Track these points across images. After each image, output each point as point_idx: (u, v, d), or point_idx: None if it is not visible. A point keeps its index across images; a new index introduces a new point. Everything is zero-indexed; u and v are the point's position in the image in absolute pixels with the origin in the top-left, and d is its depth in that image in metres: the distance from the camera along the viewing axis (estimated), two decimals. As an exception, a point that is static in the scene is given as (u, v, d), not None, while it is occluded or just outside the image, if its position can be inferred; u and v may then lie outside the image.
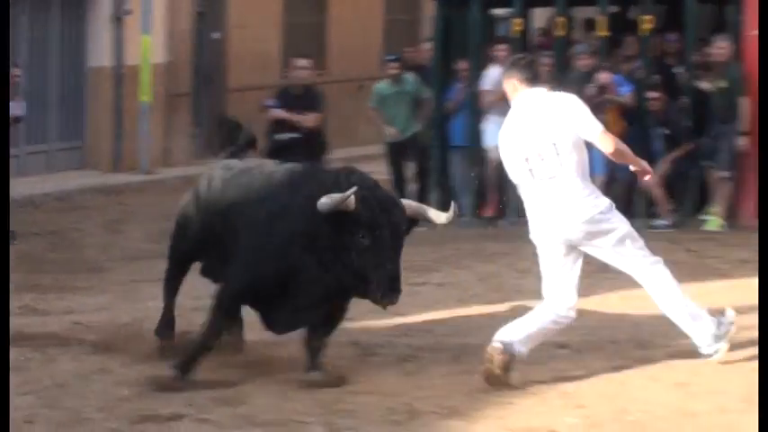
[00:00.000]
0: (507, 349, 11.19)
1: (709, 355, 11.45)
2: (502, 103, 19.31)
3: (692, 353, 11.52)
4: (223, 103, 26.15)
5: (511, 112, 11.65)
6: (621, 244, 11.41)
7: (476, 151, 20.31)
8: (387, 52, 22.85)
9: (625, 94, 19.48)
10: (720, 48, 19.39)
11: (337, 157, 22.27)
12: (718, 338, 11.45)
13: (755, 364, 11.11)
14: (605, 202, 11.47)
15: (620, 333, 12.73)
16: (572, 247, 11.45)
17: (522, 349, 11.31)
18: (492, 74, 19.86)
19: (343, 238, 11.00)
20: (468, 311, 13.93)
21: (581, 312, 11.52)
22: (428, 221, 11.61)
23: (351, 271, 11.05)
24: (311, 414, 10.62)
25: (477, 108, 20.34)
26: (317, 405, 10.83)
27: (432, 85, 21.12)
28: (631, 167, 11.63)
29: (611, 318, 13.46)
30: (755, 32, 19.38)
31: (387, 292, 10.79)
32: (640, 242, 11.54)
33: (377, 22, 31.00)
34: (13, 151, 20.29)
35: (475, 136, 20.41)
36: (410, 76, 20.98)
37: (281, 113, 18.14)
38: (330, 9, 31.40)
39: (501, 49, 20.15)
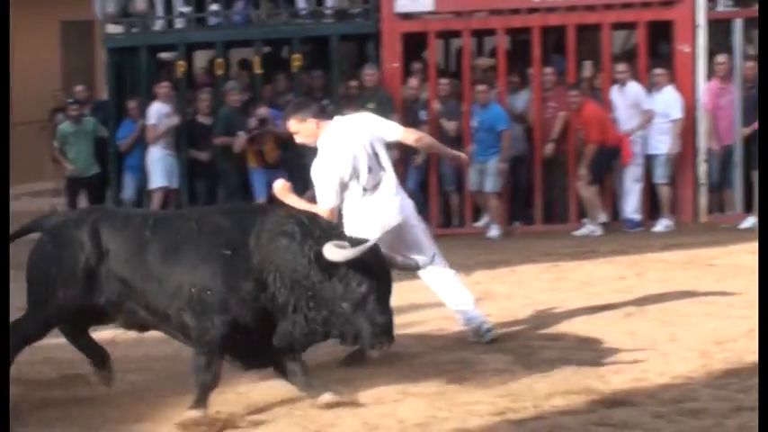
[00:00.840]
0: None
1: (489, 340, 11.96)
2: (165, 137, 19.79)
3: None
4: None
5: (324, 147, 11.54)
6: (424, 237, 11.88)
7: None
8: (67, 96, 22.59)
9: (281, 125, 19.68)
10: (370, 75, 19.79)
11: (25, 191, 22.23)
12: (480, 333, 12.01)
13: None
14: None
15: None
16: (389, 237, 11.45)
17: None
18: (154, 109, 20.10)
19: (333, 286, 9.96)
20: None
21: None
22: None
23: (342, 319, 10.01)
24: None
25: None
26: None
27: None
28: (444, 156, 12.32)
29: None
30: (396, 65, 19.95)
31: (382, 340, 9.96)
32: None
33: (55, 68, 30.72)
34: None
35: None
36: (91, 118, 20.91)
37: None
38: (12, 56, 31.03)
39: (162, 86, 20.30)
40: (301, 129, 11.58)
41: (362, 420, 9.76)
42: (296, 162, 19.43)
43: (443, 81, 20.11)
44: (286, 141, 19.10)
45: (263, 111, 19.82)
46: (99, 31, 22.80)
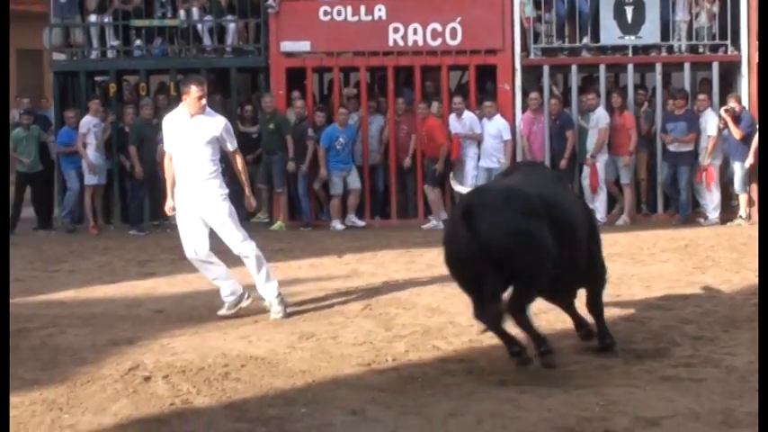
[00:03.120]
0: None
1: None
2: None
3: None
4: None
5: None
6: (227, 223, 11.54)
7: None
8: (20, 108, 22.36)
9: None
10: (268, 101, 19.68)
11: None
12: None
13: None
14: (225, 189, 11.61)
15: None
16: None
17: None
18: (85, 120, 19.80)
19: None
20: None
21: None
22: None
23: None
24: None
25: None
26: None
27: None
28: None
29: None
30: (282, 92, 19.89)
31: None
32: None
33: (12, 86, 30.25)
34: None
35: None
36: (36, 126, 20.62)
37: None
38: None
39: (94, 102, 20.05)
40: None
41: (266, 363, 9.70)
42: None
43: (320, 112, 20.01)
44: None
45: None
46: (47, 58, 22.51)
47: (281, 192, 19.62)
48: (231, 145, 11.63)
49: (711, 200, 18.88)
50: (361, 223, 19.69)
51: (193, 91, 11.41)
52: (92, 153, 19.66)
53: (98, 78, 21.16)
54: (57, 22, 21.01)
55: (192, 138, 11.43)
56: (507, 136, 19.37)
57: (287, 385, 9.23)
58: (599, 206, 18.79)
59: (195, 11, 20.63)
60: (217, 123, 11.52)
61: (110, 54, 20.92)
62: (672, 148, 19.06)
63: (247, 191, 11.97)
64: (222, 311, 11.81)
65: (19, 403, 8.87)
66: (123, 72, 21.10)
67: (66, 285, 13.89)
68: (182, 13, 20.65)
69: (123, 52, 20.88)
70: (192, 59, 20.68)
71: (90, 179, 19.75)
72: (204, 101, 11.49)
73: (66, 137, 20.07)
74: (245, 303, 11.89)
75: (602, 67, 19.95)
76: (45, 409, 8.71)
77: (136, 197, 19.79)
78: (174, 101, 20.07)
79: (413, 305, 11.93)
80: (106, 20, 20.75)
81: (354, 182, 19.72)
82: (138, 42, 20.84)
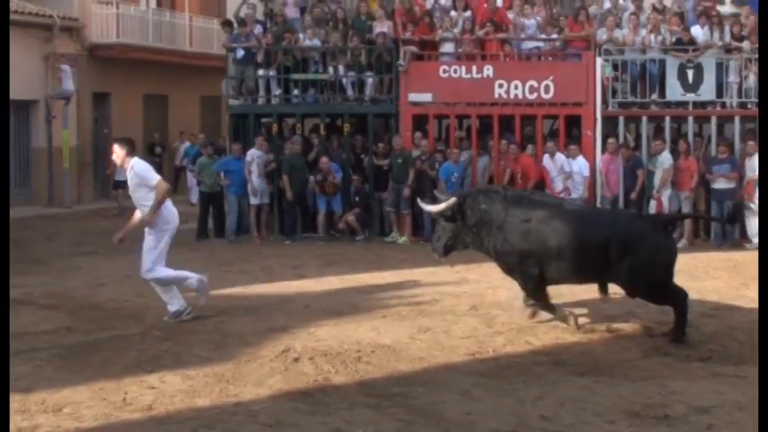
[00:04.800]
0: None
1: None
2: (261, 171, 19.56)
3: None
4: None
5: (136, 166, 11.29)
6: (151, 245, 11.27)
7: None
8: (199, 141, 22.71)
9: (337, 177, 19.63)
10: (398, 141, 19.65)
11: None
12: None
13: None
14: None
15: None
16: None
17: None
18: (250, 153, 19.75)
19: None
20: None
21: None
22: None
23: None
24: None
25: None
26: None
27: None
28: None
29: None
30: (408, 134, 19.87)
31: None
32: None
33: (197, 125, 30.75)
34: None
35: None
36: (217, 156, 20.85)
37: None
38: (173, 120, 31.22)
39: (258, 138, 20.08)
40: (118, 152, 11.38)
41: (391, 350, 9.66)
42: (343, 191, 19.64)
43: (438, 153, 19.94)
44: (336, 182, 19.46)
45: (324, 160, 19.65)
46: (224, 103, 22.74)
47: (406, 213, 19.55)
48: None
49: (752, 227, 18.47)
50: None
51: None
52: (255, 179, 19.72)
53: (264, 120, 21.24)
54: (233, 75, 21.20)
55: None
56: (586, 173, 19.14)
57: (408, 369, 9.24)
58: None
59: (341, 68, 20.68)
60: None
61: (273, 101, 21.02)
62: (717, 186, 18.73)
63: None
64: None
65: (194, 375, 8.98)
66: (284, 115, 21.17)
67: (234, 283, 13.98)
68: (330, 69, 20.71)
69: (284, 99, 20.97)
70: (338, 106, 20.71)
71: (254, 199, 19.81)
72: (115, 156, 11.52)
73: (224, 165, 20.15)
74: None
75: (667, 119, 19.67)
76: (215, 381, 8.80)
77: (289, 214, 19.83)
78: (323, 140, 20.42)
79: (510, 307, 11.81)
80: (271, 73, 20.89)
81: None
82: (295, 92, 20.90)
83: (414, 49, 20.26)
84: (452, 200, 11.13)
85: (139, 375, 8.96)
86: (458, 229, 11.06)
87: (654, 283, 10.27)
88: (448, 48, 20.49)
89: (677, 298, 10.31)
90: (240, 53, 20.80)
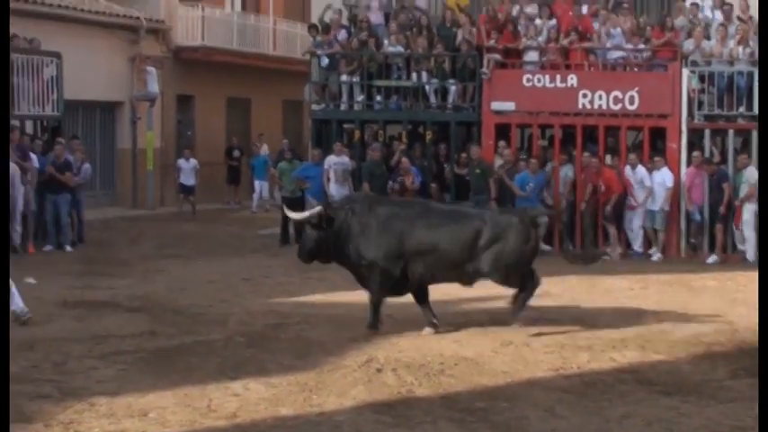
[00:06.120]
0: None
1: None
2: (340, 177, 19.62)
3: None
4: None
5: None
6: None
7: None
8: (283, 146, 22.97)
9: (416, 180, 19.56)
10: (475, 150, 19.57)
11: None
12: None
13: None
14: None
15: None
16: None
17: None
18: (329, 159, 19.79)
19: None
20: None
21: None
22: None
23: None
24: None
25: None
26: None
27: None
28: None
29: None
30: (491, 143, 19.79)
31: None
32: None
33: (278, 130, 30.91)
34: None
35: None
36: (297, 161, 20.95)
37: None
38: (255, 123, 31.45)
39: (337, 145, 20.09)
40: None
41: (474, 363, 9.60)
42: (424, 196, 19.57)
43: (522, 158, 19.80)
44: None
45: (404, 161, 19.60)
46: (306, 109, 22.85)
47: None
48: None
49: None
50: (548, 248, 19.39)
51: None
52: (332, 185, 19.73)
53: (346, 126, 21.29)
54: (316, 80, 21.29)
55: None
56: (670, 184, 18.91)
57: (491, 383, 9.18)
58: (749, 248, 18.27)
59: (424, 74, 20.67)
60: None
61: (356, 107, 21.07)
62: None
63: None
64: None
65: (278, 383, 9.00)
66: (366, 121, 21.19)
67: (315, 290, 14.01)
68: (413, 75, 20.70)
69: (366, 105, 21.01)
70: (420, 113, 20.68)
71: (337, 204, 19.84)
72: None
73: (304, 171, 20.21)
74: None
75: (754, 133, 19.31)
76: (298, 390, 8.81)
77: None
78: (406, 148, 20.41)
79: (594, 322, 11.70)
80: (354, 79, 20.94)
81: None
82: (378, 98, 20.94)
83: (497, 57, 20.17)
84: (318, 208, 11.48)
85: (223, 382, 9.00)
86: (321, 237, 11.33)
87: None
88: (532, 56, 20.37)
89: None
90: (325, 61, 20.87)
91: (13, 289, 11.41)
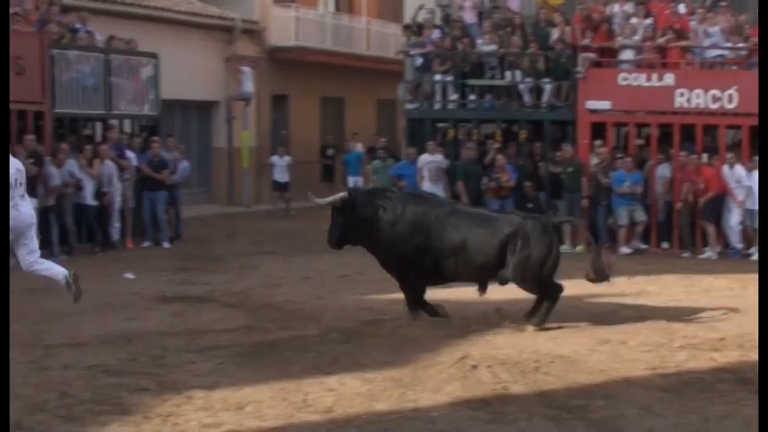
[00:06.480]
0: None
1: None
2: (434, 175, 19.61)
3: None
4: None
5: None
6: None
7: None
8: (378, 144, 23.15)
9: (511, 178, 19.54)
10: (566, 149, 19.50)
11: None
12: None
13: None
14: None
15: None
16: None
17: None
18: (422, 158, 19.90)
19: None
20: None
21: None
22: None
23: None
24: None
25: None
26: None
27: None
28: None
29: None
30: (585, 141, 19.64)
31: None
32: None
33: (373, 128, 30.96)
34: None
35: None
36: (391, 159, 21.01)
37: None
38: (348, 120, 31.56)
39: (430, 144, 20.12)
40: None
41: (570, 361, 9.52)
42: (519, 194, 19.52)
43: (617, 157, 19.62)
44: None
45: (500, 158, 19.63)
46: (400, 107, 22.90)
47: (581, 222, 19.33)
48: None
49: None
50: (643, 246, 19.23)
51: None
52: (426, 184, 19.73)
53: (439, 125, 21.28)
54: (409, 80, 21.31)
55: None
56: (769, 185, 18.67)
57: (587, 381, 9.08)
58: None
59: (518, 73, 20.59)
60: None
61: (449, 106, 21.07)
62: None
63: None
64: None
65: (373, 379, 8.99)
66: (459, 120, 21.15)
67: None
68: (507, 74, 20.63)
69: (460, 105, 21.00)
70: (515, 112, 20.62)
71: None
72: None
73: (399, 170, 20.23)
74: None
75: None
76: (393, 386, 8.79)
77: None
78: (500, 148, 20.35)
79: (692, 322, 11.54)
80: (448, 78, 20.93)
81: (640, 216, 19.21)
82: (471, 97, 20.93)
83: (592, 56, 20.01)
84: (342, 194, 11.57)
85: (319, 377, 9.02)
86: (348, 223, 11.39)
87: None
88: (627, 55, 20.17)
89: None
90: (418, 60, 20.88)
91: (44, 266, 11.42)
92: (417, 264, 11.25)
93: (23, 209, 10.55)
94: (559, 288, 11.39)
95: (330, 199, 11.63)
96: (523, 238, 11.13)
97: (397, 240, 11.25)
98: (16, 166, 10.70)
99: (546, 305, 11.29)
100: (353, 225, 11.40)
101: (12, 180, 10.35)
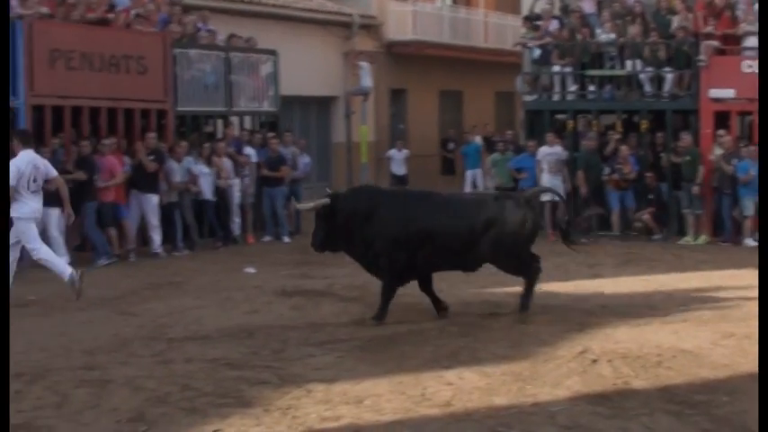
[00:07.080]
0: None
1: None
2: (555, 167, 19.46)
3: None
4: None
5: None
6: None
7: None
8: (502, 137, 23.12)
9: (633, 169, 19.35)
10: (685, 138, 19.20)
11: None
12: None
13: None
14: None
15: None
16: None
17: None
18: (542, 150, 19.79)
19: None
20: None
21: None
22: None
23: None
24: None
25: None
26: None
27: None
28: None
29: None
30: (708, 131, 19.30)
31: None
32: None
33: (491, 121, 30.78)
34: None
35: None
36: (510, 152, 20.91)
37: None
38: (468, 111, 31.49)
39: (549, 136, 20.01)
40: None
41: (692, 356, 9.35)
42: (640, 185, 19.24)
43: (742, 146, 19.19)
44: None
45: (624, 148, 19.44)
46: (518, 99, 22.78)
47: (699, 212, 19.02)
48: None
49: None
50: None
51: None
52: (545, 176, 19.59)
53: (558, 116, 21.10)
54: (528, 72, 21.18)
55: None
56: None
57: (711, 376, 8.90)
58: None
59: (639, 63, 20.31)
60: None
61: (569, 97, 20.89)
62: None
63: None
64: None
65: (492, 373, 8.94)
66: (579, 111, 20.95)
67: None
68: (628, 64, 20.38)
69: (579, 95, 20.81)
70: (635, 102, 20.38)
71: (545, 196, 19.64)
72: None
73: (518, 162, 20.14)
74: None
75: None
76: (512, 380, 8.73)
77: (582, 212, 19.57)
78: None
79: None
80: (567, 69, 20.76)
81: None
82: (591, 88, 20.74)
83: (715, 43, 19.64)
84: (324, 200, 11.43)
85: (437, 371, 9.01)
86: (330, 228, 11.30)
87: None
88: (752, 42, 19.71)
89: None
90: (536, 52, 20.75)
91: (53, 259, 12.33)
92: (396, 258, 11.09)
93: (32, 204, 12.07)
94: (538, 268, 11.35)
95: (312, 205, 11.72)
96: (496, 216, 11.08)
97: (377, 235, 11.13)
98: (33, 163, 11.86)
99: (526, 285, 11.31)
100: (336, 229, 11.35)
101: (27, 173, 11.96)
